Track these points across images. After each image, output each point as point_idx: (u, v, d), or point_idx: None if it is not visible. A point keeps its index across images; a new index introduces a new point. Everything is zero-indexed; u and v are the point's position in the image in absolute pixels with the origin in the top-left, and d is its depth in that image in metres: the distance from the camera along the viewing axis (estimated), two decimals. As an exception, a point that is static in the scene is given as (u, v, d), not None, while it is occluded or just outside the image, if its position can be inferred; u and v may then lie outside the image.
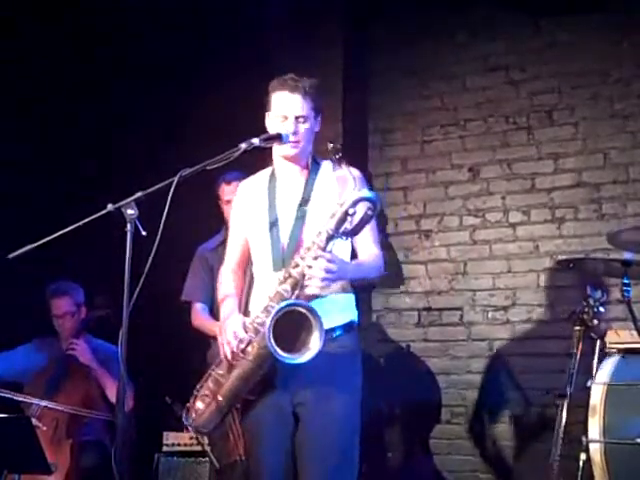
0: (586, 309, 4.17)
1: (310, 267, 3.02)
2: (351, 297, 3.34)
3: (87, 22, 5.55)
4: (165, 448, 4.86)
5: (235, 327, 3.14)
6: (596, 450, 3.99)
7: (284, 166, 3.34)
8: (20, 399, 4.62)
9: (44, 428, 4.47)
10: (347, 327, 3.27)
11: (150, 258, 2.93)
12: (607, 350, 4.25)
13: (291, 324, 3.01)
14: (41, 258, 3.19)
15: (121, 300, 2.94)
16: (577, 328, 4.21)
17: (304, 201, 3.27)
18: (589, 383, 4.14)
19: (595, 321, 4.23)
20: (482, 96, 5.38)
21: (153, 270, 2.95)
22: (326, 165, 3.36)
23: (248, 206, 3.39)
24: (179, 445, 4.81)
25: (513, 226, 5.23)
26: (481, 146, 5.36)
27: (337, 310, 3.22)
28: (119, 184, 3.42)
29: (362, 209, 3.05)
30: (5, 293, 5.13)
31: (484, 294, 5.26)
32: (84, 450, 4.66)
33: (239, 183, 4.49)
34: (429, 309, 5.42)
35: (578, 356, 4.17)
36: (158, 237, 2.93)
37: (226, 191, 4.59)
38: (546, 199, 5.16)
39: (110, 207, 3.00)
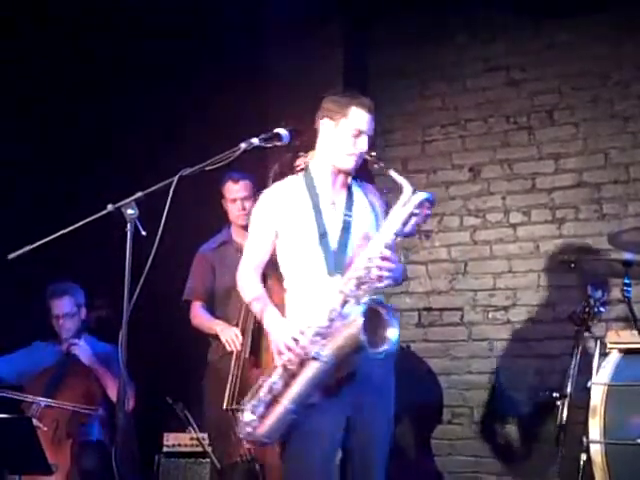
0: (587, 309, 4.18)
1: (379, 267, 3.16)
2: None
3: (87, 22, 5.54)
4: (165, 449, 4.86)
5: (294, 334, 3.16)
6: (597, 451, 3.99)
7: (327, 175, 3.39)
8: (21, 398, 4.61)
9: (45, 428, 4.47)
10: None
11: (150, 258, 2.92)
12: (607, 350, 4.25)
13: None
14: (41, 259, 3.18)
15: (121, 301, 2.94)
16: (578, 328, 4.21)
17: (348, 209, 3.37)
18: (589, 383, 4.14)
19: (596, 321, 4.24)
20: (482, 96, 5.38)
21: (153, 270, 2.95)
22: (357, 179, 3.47)
23: (288, 212, 3.37)
24: (179, 446, 4.81)
25: (514, 226, 5.23)
26: (482, 146, 5.36)
27: None
28: (119, 184, 3.42)
29: (423, 209, 3.26)
30: (4, 294, 5.12)
31: (484, 294, 5.25)
32: (84, 450, 4.65)
33: (246, 182, 4.54)
34: (429, 309, 5.41)
35: (578, 356, 4.17)
36: (158, 237, 2.93)
37: (232, 190, 4.58)
38: (547, 199, 5.15)
39: (110, 207, 2.99)
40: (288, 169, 4.46)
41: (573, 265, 4.46)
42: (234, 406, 4.22)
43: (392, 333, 3.16)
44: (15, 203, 5.43)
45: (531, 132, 5.23)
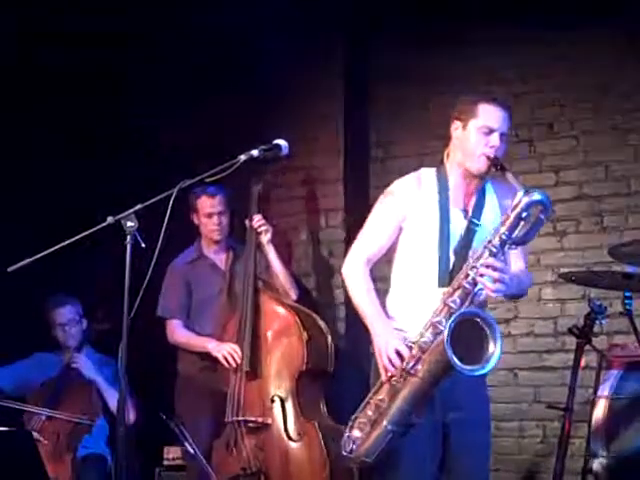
0: (588, 322, 4.16)
1: (482, 275, 2.95)
2: None
3: (87, 22, 5.54)
4: (166, 462, 4.84)
5: (397, 346, 3.01)
6: (599, 465, 3.97)
7: (460, 178, 3.24)
8: (22, 408, 4.61)
9: (45, 442, 4.47)
10: None
11: (149, 270, 2.92)
12: (609, 363, 4.24)
13: (463, 335, 2.90)
14: (40, 271, 3.18)
15: (121, 313, 2.93)
16: (579, 341, 4.20)
17: (476, 216, 3.19)
18: (591, 397, 4.13)
19: (597, 334, 4.22)
20: (483, 108, 5.36)
21: (153, 283, 2.94)
22: (494, 181, 3.29)
23: (416, 208, 3.22)
24: (180, 459, 4.79)
25: (515, 239, 5.21)
26: (483, 158, 5.34)
27: None
28: (119, 195, 3.42)
29: (535, 213, 2.96)
30: (2, 306, 5.11)
31: (486, 307, 5.23)
32: (85, 464, 4.65)
33: (222, 196, 4.51)
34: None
35: (580, 370, 4.16)
36: (157, 249, 2.92)
37: (208, 204, 4.55)
38: (547, 212, 5.14)
39: (110, 219, 2.99)
40: (269, 191, 4.44)
41: (574, 278, 4.45)
42: (239, 417, 4.20)
43: (493, 351, 2.92)
44: (15, 215, 5.42)
45: (532, 144, 5.22)
